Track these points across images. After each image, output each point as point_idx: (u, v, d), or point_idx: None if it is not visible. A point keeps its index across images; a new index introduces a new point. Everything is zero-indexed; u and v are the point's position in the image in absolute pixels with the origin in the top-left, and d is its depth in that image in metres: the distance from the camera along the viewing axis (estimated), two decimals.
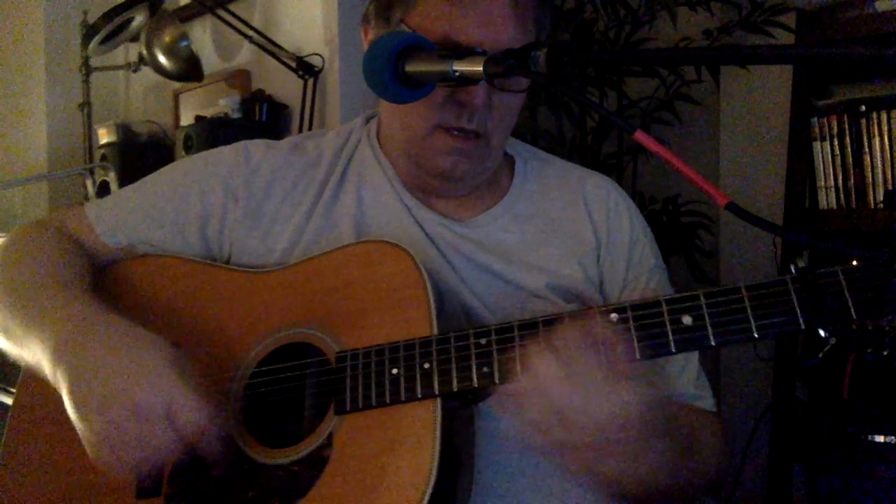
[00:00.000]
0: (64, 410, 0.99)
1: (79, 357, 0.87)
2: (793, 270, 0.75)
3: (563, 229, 1.09)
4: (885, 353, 0.75)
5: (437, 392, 0.84)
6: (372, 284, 0.92)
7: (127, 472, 0.85)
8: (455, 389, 0.84)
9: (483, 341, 0.84)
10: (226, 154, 1.12)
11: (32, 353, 0.92)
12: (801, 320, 0.73)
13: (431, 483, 0.80)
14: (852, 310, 0.72)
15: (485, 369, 0.83)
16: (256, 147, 1.12)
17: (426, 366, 0.85)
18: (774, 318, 0.74)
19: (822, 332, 0.74)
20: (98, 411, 0.83)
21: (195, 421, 0.84)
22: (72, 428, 0.98)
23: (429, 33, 0.94)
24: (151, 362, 0.86)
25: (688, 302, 0.77)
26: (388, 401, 0.86)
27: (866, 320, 0.72)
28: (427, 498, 0.79)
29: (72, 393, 0.85)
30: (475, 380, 0.83)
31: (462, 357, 0.84)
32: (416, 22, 0.96)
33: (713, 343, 0.73)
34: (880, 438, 1.53)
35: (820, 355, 0.75)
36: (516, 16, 0.96)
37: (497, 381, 0.83)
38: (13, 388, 1.07)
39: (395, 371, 0.86)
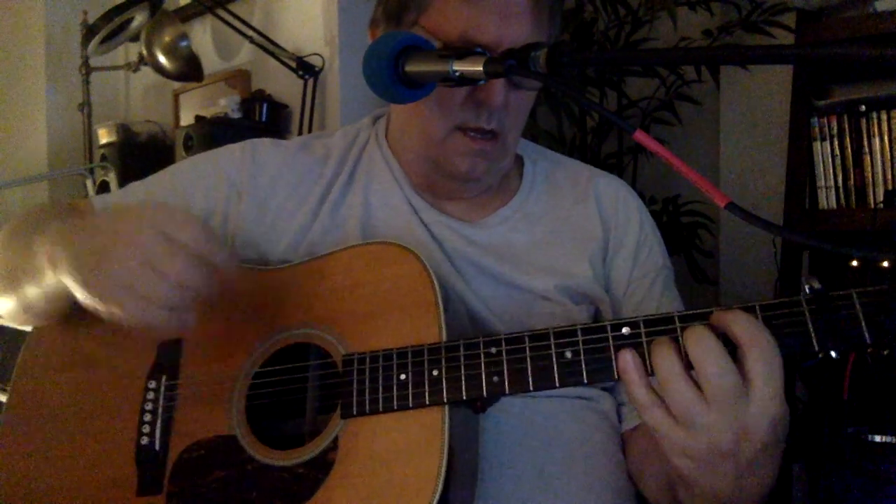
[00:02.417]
0: (62, 408, 1.00)
1: (76, 238, 0.84)
2: (807, 290, 0.73)
3: (572, 228, 1.10)
4: (885, 352, 0.75)
5: (445, 400, 0.83)
6: (379, 286, 0.92)
7: (161, 301, 0.79)
8: (464, 398, 0.83)
9: (493, 350, 0.83)
10: (232, 151, 1.12)
11: (35, 272, 0.89)
12: (815, 344, 0.72)
13: (438, 491, 0.79)
14: (866, 335, 0.71)
15: (495, 378, 0.82)
16: (264, 144, 1.12)
17: (435, 372, 0.84)
18: (788, 339, 0.73)
19: (833, 354, 0.73)
20: (103, 266, 0.80)
21: (191, 230, 0.80)
22: (69, 426, 0.98)
23: (446, 33, 0.94)
24: (141, 208, 0.84)
25: (702, 319, 0.75)
26: (395, 407, 0.85)
27: (881, 347, 0.71)
28: None
29: (73, 266, 0.82)
30: (485, 388, 0.82)
31: (472, 365, 0.83)
32: (431, 22, 0.96)
33: None
34: (880, 438, 1.53)
35: (820, 355, 0.75)
36: (534, 12, 0.96)
37: (507, 391, 0.82)
38: (10, 386, 1.07)
39: (402, 377, 0.85)
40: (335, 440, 0.87)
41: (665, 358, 0.70)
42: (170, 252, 0.78)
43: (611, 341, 0.78)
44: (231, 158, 1.11)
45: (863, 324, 0.71)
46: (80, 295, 0.81)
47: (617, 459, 1.02)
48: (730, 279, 2.26)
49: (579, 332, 0.80)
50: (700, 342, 0.69)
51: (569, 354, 0.80)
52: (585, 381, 0.79)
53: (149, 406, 0.97)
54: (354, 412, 0.87)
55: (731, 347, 0.71)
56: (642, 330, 0.77)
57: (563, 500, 0.94)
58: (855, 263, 0.73)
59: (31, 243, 0.92)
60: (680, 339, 0.73)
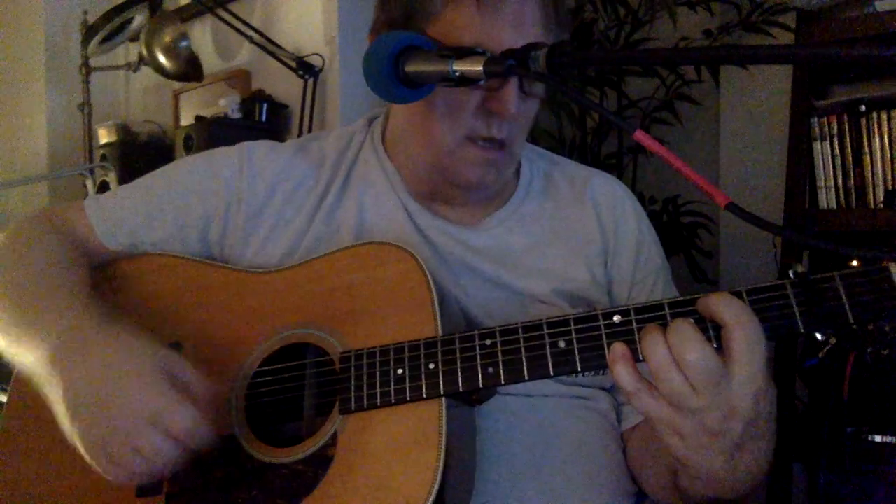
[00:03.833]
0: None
1: (71, 371, 0.86)
2: (791, 275, 0.75)
3: (569, 229, 1.09)
4: (884, 352, 0.75)
5: (442, 392, 0.84)
6: (375, 285, 0.92)
7: (127, 477, 0.85)
8: (460, 390, 0.84)
9: (488, 342, 0.84)
10: (229, 156, 1.11)
11: (28, 359, 0.92)
12: (800, 325, 0.74)
13: (437, 483, 0.80)
14: (849, 314, 0.73)
15: (490, 370, 0.83)
16: (260, 149, 1.11)
17: (431, 366, 0.85)
18: (774, 321, 0.75)
19: (818, 336, 0.75)
20: (89, 423, 0.84)
21: (182, 425, 0.84)
22: None
23: (457, 42, 0.93)
24: (139, 372, 0.85)
25: (689, 305, 0.77)
26: (392, 401, 0.86)
27: (863, 325, 0.73)
28: (433, 497, 0.79)
29: (66, 404, 0.85)
30: (480, 380, 0.83)
31: (467, 358, 0.84)
32: (441, 31, 0.94)
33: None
34: (880, 438, 1.53)
35: (820, 355, 0.76)
36: (544, 18, 0.96)
37: (503, 381, 0.83)
38: (9, 387, 1.07)
39: (400, 371, 0.86)
40: (334, 436, 0.87)
41: (654, 345, 0.72)
42: (150, 433, 0.83)
43: (603, 329, 0.79)
44: (228, 164, 1.10)
45: (846, 303, 0.73)
46: (65, 429, 0.86)
47: (616, 458, 1.02)
48: (730, 279, 2.26)
49: (572, 322, 0.81)
50: (677, 331, 0.72)
51: (562, 344, 0.81)
52: (579, 368, 0.81)
53: None
54: (352, 408, 0.87)
55: (719, 332, 0.74)
56: (633, 318, 0.79)
57: (561, 499, 0.94)
58: (855, 263, 0.74)
59: (27, 325, 0.94)
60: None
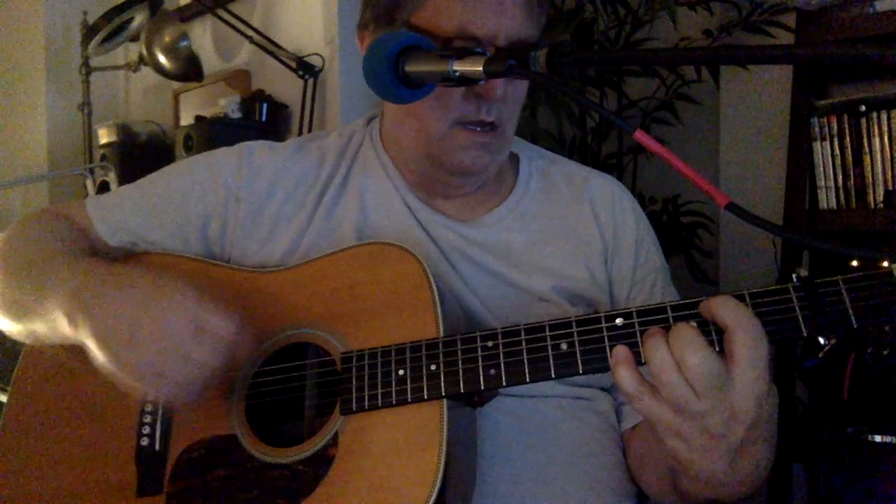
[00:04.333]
0: (62, 410, 1.00)
1: (97, 302, 0.87)
2: (794, 279, 0.75)
3: (568, 229, 1.10)
4: (884, 352, 0.75)
5: (443, 394, 0.84)
6: (377, 286, 0.92)
7: (182, 390, 0.85)
8: (462, 391, 0.84)
9: (490, 344, 0.84)
10: (228, 155, 1.12)
11: (47, 316, 0.91)
12: (803, 328, 0.74)
13: (438, 484, 0.80)
14: (853, 319, 0.73)
15: (492, 372, 0.83)
16: (259, 148, 1.12)
17: (433, 367, 0.85)
18: (777, 325, 0.75)
19: (821, 340, 0.74)
20: (129, 347, 0.84)
21: (226, 326, 0.85)
22: (70, 428, 0.98)
23: (441, 28, 0.94)
24: (170, 290, 0.86)
25: (692, 308, 0.77)
26: (394, 402, 0.86)
27: (867, 329, 0.73)
28: (433, 498, 0.79)
29: (98, 338, 0.85)
30: (482, 382, 0.84)
31: (469, 359, 0.84)
32: (425, 19, 0.96)
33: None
34: (880, 438, 1.53)
35: (819, 356, 0.76)
36: (526, 4, 0.97)
37: (504, 383, 0.83)
38: (10, 388, 1.07)
39: (401, 372, 0.86)
40: (335, 436, 0.87)
41: (657, 349, 0.72)
42: (200, 341, 0.84)
43: (605, 332, 0.79)
44: (227, 163, 1.10)
45: (849, 307, 0.73)
46: (106, 364, 0.85)
47: (616, 459, 1.02)
48: (730, 279, 2.26)
49: (574, 324, 0.81)
50: (679, 334, 0.72)
51: (564, 346, 0.81)
52: (581, 371, 0.80)
53: (149, 407, 0.97)
54: (354, 408, 0.87)
55: (721, 335, 0.74)
56: (635, 320, 0.79)
57: (561, 500, 0.94)
58: (855, 263, 0.74)
59: (40, 285, 0.94)
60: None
